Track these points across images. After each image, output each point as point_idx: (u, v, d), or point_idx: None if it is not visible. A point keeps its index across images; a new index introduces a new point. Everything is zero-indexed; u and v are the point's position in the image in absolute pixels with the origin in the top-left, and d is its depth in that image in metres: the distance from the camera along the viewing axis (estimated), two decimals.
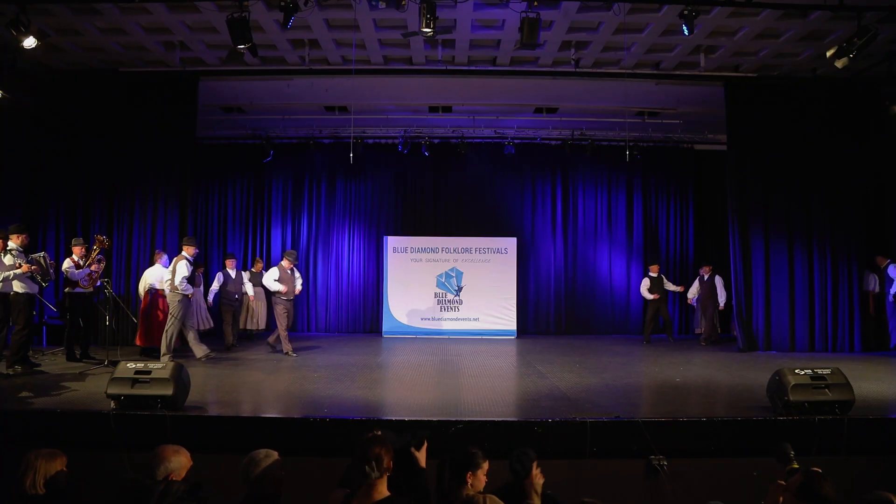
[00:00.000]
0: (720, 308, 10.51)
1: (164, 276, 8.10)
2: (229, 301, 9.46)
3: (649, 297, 10.72)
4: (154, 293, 8.45)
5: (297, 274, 9.02)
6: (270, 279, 8.60)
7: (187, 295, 7.69)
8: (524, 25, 7.24)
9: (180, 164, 9.41)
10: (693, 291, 10.75)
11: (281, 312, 8.57)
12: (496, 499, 2.94)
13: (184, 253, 7.83)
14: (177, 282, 7.60)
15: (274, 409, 5.58)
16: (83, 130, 9.36)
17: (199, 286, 9.81)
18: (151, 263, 8.86)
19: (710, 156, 12.27)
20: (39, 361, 7.40)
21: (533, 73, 9.45)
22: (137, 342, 8.45)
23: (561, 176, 12.56)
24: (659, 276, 10.77)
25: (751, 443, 4.74)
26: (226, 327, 9.38)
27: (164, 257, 8.64)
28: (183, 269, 7.64)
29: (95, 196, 9.47)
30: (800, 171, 9.45)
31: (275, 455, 2.88)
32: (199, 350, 7.82)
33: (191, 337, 7.80)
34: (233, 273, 9.60)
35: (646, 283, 10.82)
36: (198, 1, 7.38)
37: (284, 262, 8.75)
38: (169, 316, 7.71)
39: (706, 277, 10.52)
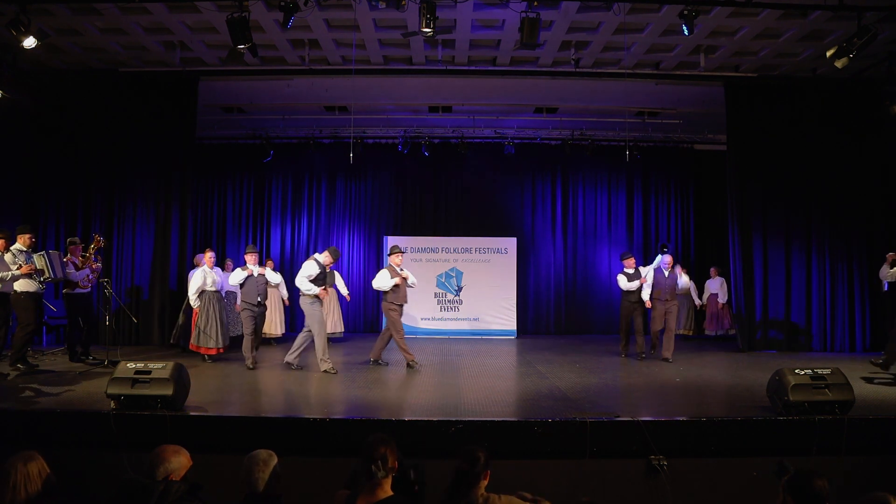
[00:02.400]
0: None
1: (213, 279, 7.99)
2: (249, 307, 7.58)
3: (629, 286, 8.55)
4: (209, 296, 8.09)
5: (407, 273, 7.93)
6: (385, 280, 7.72)
7: (315, 295, 7.18)
8: (524, 25, 7.24)
9: (180, 163, 9.41)
10: (646, 291, 8.54)
11: (396, 320, 7.75)
12: (514, 498, 3.00)
13: (315, 254, 7.49)
14: (297, 281, 7.23)
15: (274, 409, 5.58)
16: (83, 130, 9.37)
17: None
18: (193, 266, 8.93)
19: (710, 156, 12.29)
20: (38, 362, 7.39)
21: (533, 73, 9.45)
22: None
23: (561, 176, 12.58)
24: (636, 271, 8.71)
25: (751, 443, 4.74)
26: (246, 341, 7.53)
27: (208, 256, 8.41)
28: (307, 268, 7.21)
29: (95, 196, 9.48)
30: (800, 170, 9.46)
31: (274, 455, 2.88)
32: (324, 363, 7.20)
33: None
34: (255, 271, 7.69)
35: (623, 280, 8.77)
36: (198, 1, 7.38)
37: (397, 259, 7.84)
38: (307, 324, 7.28)
39: (667, 273, 8.49)
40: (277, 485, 2.84)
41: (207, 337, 7.85)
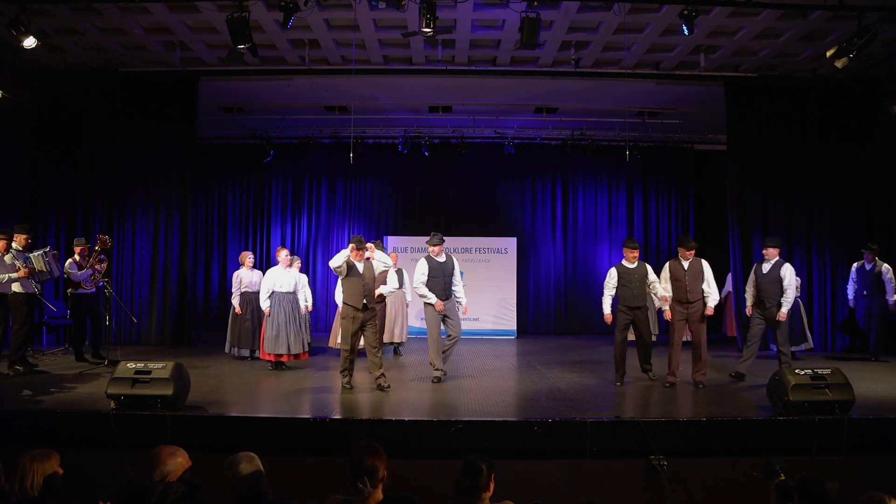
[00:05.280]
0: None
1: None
2: (352, 311, 6.31)
3: (607, 303, 6.54)
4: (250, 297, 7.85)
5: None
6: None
7: (430, 302, 6.66)
8: (524, 25, 7.23)
9: (180, 163, 9.41)
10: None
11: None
12: None
13: (429, 252, 6.82)
14: (415, 283, 6.72)
15: (274, 409, 5.58)
16: (83, 130, 9.37)
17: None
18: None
19: (710, 156, 12.28)
20: (37, 362, 7.39)
21: (533, 73, 9.45)
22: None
23: (561, 176, 12.58)
24: (641, 265, 6.61)
25: (751, 443, 4.74)
26: (343, 352, 6.35)
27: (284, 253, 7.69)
28: (421, 268, 6.70)
29: (95, 196, 9.47)
30: (800, 170, 9.45)
31: (255, 457, 2.85)
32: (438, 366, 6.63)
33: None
34: (360, 266, 6.48)
35: (613, 277, 6.55)
36: (198, 1, 7.38)
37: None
38: (429, 329, 6.74)
39: (686, 265, 6.60)
40: (262, 484, 2.81)
41: (279, 343, 7.25)
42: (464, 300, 6.99)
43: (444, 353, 6.79)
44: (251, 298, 7.99)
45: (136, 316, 9.05)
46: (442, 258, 6.81)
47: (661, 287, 6.56)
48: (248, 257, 8.32)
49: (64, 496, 2.83)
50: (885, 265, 8.41)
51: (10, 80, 8.19)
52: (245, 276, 8.15)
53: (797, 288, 7.91)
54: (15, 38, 6.98)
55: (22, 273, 6.59)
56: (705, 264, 6.57)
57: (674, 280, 6.51)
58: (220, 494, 2.90)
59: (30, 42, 7.02)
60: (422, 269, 6.72)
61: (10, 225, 7.19)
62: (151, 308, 9.35)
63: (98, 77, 9.39)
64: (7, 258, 6.65)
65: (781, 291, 6.65)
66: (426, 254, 6.93)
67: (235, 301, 8.10)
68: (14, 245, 6.81)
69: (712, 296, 6.46)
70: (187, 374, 5.20)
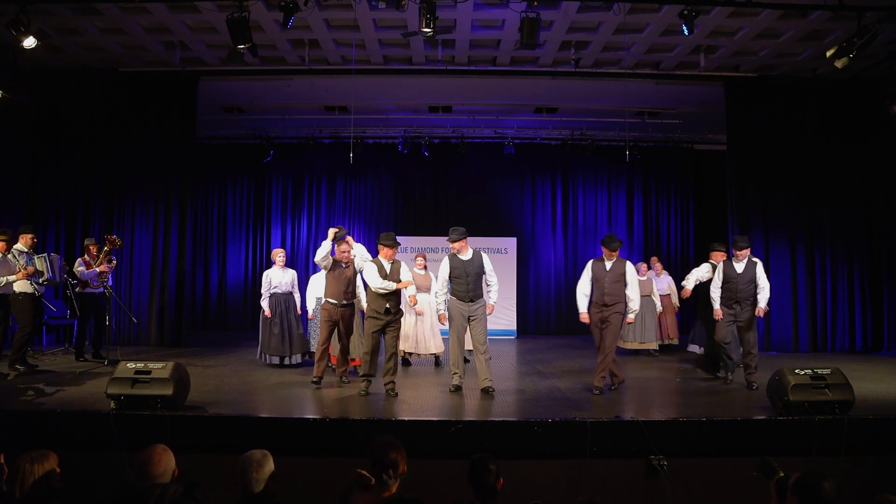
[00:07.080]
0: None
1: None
2: (375, 314, 6.01)
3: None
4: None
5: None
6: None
7: (440, 311, 6.31)
8: (524, 25, 7.23)
9: (180, 163, 9.41)
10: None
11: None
12: None
13: (451, 250, 6.12)
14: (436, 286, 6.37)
15: (274, 409, 5.58)
16: (83, 130, 9.38)
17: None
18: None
19: (710, 156, 12.29)
20: (38, 362, 7.38)
21: (533, 73, 9.45)
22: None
23: (561, 176, 12.59)
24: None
25: (751, 443, 4.74)
26: (365, 360, 6.08)
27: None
28: (443, 270, 6.18)
29: (95, 196, 9.48)
30: (800, 170, 9.45)
31: (269, 455, 2.87)
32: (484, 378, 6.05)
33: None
34: (387, 266, 6.01)
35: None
36: (198, 1, 7.38)
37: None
38: (450, 331, 6.25)
39: (609, 267, 6.15)
40: (272, 485, 2.83)
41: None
42: (492, 298, 6.24)
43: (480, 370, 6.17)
44: (280, 300, 7.44)
45: (135, 316, 9.05)
46: (466, 255, 6.06)
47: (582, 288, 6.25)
48: (279, 255, 7.61)
49: (63, 496, 2.83)
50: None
51: (10, 80, 8.19)
52: (275, 276, 7.45)
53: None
54: (15, 39, 6.97)
55: (20, 275, 6.58)
56: (629, 268, 6.10)
57: (594, 281, 6.17)
58: (220, 494, 2.90)
59: (30, 42, 7.02)
60: (443, 272, 6.10)
61: (12, 225, 7.20)
62: (151, 308, 9.34)
63: (98, 77, 9.39)
64: (9, 258, 6.65)
65: (755, 290, 6.40)
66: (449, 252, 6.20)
67: (265, 303, 7.40)
68: (19, 245, 6.81)
69: (633, 304, 6.03)
70: (187, 374, 5.20)
